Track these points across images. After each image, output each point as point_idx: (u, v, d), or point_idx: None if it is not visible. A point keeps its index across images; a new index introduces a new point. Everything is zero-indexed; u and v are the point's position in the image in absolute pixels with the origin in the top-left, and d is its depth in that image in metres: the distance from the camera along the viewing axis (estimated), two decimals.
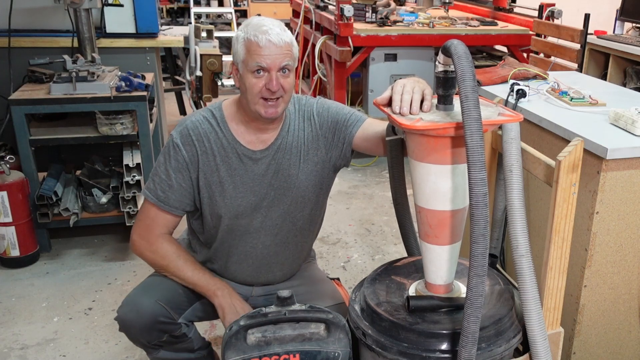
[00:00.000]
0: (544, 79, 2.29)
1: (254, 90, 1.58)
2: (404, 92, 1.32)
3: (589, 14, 3.58)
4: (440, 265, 1.38)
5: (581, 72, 3.54)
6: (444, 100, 1.32)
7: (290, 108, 1.74)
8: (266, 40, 1.54)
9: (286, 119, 1.73)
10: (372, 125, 1.71)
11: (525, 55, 4.47)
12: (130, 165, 2.94)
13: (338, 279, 2.00)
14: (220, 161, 1.68)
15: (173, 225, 1.76)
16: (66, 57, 2.89)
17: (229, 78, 6.50)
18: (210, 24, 7.16)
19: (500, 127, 1.44)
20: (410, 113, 1.31)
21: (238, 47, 1.59)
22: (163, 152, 1.70)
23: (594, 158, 1.66)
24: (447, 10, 5.15)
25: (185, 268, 1.73)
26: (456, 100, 1.28)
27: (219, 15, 8.03)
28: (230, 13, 7.05)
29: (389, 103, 1.36)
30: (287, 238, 1.79)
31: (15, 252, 2.96)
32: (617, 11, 4.23)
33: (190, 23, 5.62)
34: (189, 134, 1.67)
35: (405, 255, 1.78)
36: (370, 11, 4.48)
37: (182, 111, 5.40)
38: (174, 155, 1.67)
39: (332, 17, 4.45)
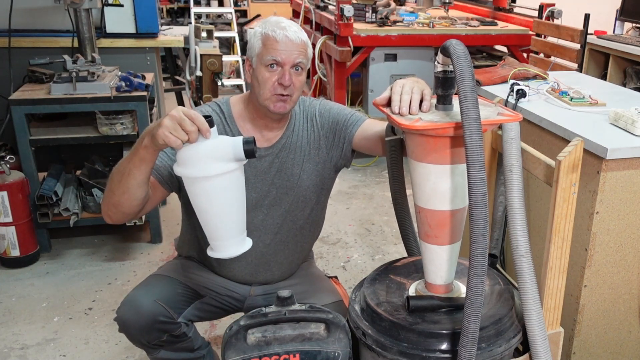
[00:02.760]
0: (544, 79, 2.29)
1: (266, 84, 1.59)
2: (402, 92, 1.33)
3: (589, 14, 3.58)
4: (440, 265, 1.38)
5: (581, 72, 3.54)
6: (443, 100, 1.32)
7: (295, 108, 1.75)
8: (283, 35, 1.56)
9: (292, 119, 1.74)
10: (371, 125, 1.72)
11: (525, 55, 4.47)
12: None
13: (336, 277, 2.00)
14: None
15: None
16: (66, 57, 2.89)
17: (229, 78, 6.53)
18: (210, 24, 7.15)
19: (500, 127, 1.44)
20: (409, 113, 1.31)
21: (254, 41, 1.60)
22: None
23: (594, 158, 1.66)
24: (447, 10, 5.15)
25: (120, 164, 1.48)
26: (455, 101, 1.28)
27: (219, 15, 8.03)
28: (230, 13, 7.02)
29: (388, 103, 1.36)
30: (287, 237, 1.79)
31: (15, 252, 2.96)
32: (617, 11, 4.23)
33: (190, 23, 5.62)
34: None
35: (405, 255, 1.78)
36: (370, 11, 4.48)
37: None
38: None
39: (332, 17, 4.45)
